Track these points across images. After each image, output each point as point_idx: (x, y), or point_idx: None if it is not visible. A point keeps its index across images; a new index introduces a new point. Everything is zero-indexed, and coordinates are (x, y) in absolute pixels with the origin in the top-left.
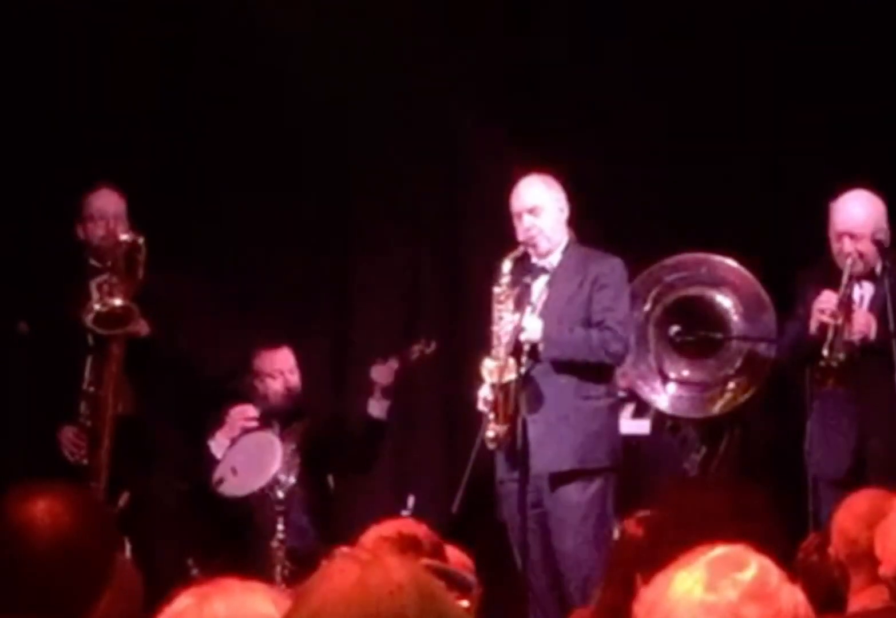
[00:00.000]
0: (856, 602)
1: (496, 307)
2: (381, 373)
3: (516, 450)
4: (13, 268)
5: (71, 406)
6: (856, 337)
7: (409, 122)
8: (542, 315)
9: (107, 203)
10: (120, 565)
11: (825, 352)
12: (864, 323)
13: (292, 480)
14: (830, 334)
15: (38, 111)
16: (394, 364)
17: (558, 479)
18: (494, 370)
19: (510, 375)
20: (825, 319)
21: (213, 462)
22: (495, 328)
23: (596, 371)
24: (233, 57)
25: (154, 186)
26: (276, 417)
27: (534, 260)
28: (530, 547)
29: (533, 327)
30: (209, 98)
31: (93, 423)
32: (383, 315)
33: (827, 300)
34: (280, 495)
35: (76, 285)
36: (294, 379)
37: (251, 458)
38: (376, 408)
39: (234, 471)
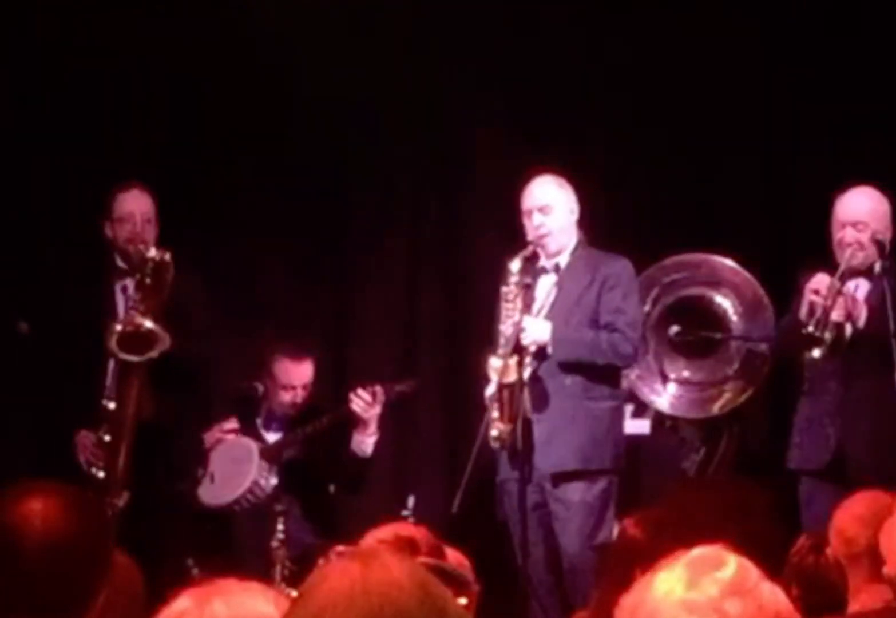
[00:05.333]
0: (855, 602)
1: (504, 306)
2: (360, 405)
3: (519, 449)
4: (32, 267)
5: (89, 413)
6: (841, 318)
7: (408, 123)
8: (551, 316)
9: (136, 204)
10: (120, 565)
11: (811, 327)
12: (849, 306)
13: (273, 481)
14: (819, 312)
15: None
16: (377, 393)
17: (561, 479)
18: (499, 370)
19: (512, 376)
20: (815, 298)
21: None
22: (502, 327)
23: (602, 372)
24: (232, 59)
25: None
26: (277, 420)
27: (542, 261)
28: (533, 547)
29: (541, 329)
30: (208, 103)
31: (112, 439)
32: (384, 314)
33: (819, 281)
34: (261, 496)
35: (102, 285)
36: (304, 394)
37: (228, 466)
38: (360, 444)
39: (212, 479)
